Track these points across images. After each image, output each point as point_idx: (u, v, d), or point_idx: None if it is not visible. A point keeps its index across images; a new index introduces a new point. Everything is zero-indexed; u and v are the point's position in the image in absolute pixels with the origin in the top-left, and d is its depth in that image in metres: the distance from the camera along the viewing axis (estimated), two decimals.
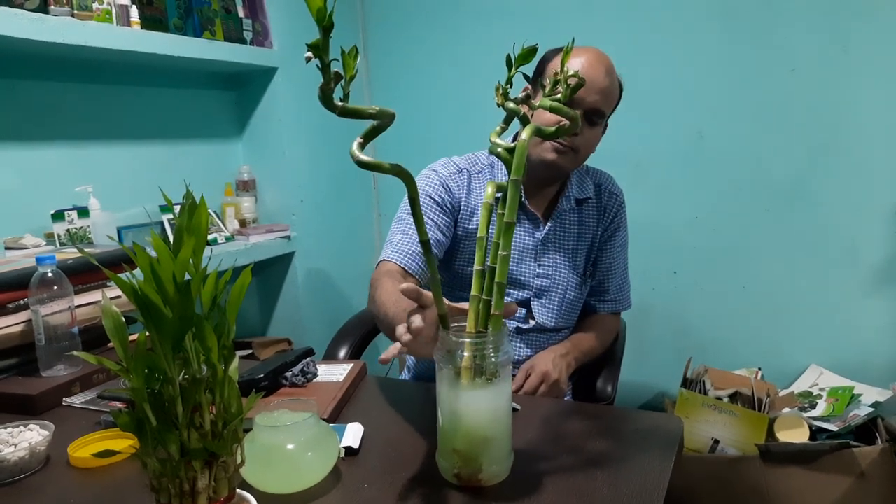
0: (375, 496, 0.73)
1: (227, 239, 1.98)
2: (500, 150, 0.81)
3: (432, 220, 1.23)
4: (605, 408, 0.99)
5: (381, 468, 0.80)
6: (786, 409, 1.72)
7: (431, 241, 1.20)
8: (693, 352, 1.95)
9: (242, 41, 1.97)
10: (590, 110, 1.17)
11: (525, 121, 0.82)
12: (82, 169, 1.70)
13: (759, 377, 1.92)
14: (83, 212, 1.58)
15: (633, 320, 1.84)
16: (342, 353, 1.41)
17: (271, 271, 2.20)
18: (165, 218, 1.85)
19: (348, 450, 0.83)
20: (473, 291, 0.78)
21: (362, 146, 0.65)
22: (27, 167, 1.59)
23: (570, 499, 0.70)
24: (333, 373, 1.08)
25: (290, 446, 0.74)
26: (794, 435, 1.65)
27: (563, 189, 1.29)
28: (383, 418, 0.96)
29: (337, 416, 0.95)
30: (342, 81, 0.59)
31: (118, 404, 0.97)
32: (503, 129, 0.88)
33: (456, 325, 0.77)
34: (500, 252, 0.76)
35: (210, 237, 1.95)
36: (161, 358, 0.58)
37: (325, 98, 0.59)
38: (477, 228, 1.22)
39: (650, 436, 0.85)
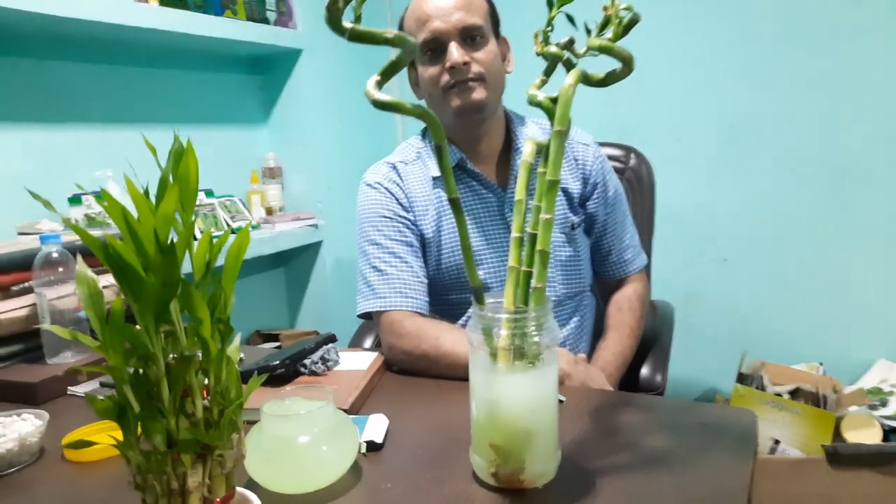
0: (400, 498, 0.63)
1: (253, 227, 1.92)
2: (540, 99, 0.71)
3: (401, 240, 1.10)
4: (662, 399, 0.88)
5: (408, 466, 0.70)
6: (853, 407, 1.57)
7: (411, 256, 1.09)
8: (746, 345, 1.80)
9: (265, 21, 1.89)
10: (462, 32, 1.04)
11: (569, 66, 0.71)
12: (102, 153, 1.64)
13: (820, 373, 1.77)
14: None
15: (680, 311, 1.70)
16: (367, 343, 1.32)
17: (299, 261, 2.12)
18: None
19: (370, 444, 0.73)
20: (512, 262, 0.67)
21: (380, 84, 0.55)
22: (45, 150, 1.54)
23: (631, 500, 0.59)
24: (357, 361, 0.99)
25: (302, 439, 0.64)
26: (865, 435, 1.50)
27: (511, 146, 1.14)
28: (410, 410, 0.86)
29: (359, 408, 0.85)
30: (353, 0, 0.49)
31: None
32: (543, 82, 0.77)
33: (493, 300, 0.67)
34: (541, 216, 0.66)
35: (236, 226, 1.88)
36: (142, 332, 0.49)
37: (332, 19, 0.49)
38: (429, 223, 1.11)
39: (719, 431, 0.73)
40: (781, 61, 1.79)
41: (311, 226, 2.01)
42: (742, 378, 1.65)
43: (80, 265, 0.51)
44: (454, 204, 0.62)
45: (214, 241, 0.54)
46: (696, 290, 1.99)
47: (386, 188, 1.12)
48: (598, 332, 1.18)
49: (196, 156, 0.51)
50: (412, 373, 0.99)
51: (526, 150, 0.72)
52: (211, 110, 1.95)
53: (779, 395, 1.59)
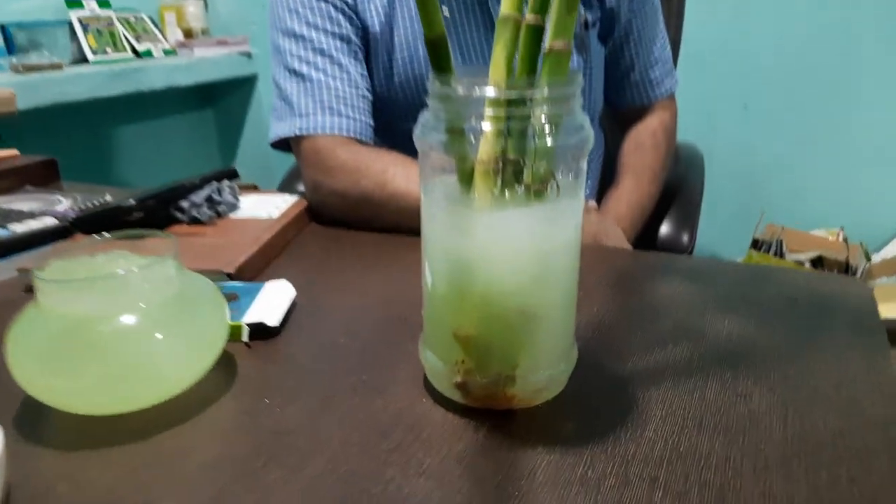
0: (291, 425, 0.35)
1: (166, 53, 1.53)
2: None
3: (334, 33, 0.74)
4: (720, 263, 0.60)
5: (317, 366, 0.42)
6: (883, 278, 1.36)
7: (347, 57, 0.73)
8: (757, 205, 1.56)
9: None
10: None
11: None
12: None
13: (840, 240, 1.54)
14: None
15: None
16: (301, 189, 1.01)
17: (231, 100, 1.75)
18: (74, 15, 1.38)
19: (257, 329, 0.44)
20: (506, 8, 0.35)
21: None
22: None
23: (705, 438, 0.32)
24: (265, 206, 0.69)
25: (121, 322, 0.35)
26: None
27: None
28: (334, 278, 0.57)
29: (256, 274, 0.56)
30: None
31: None
32: None
33: (470, 78, 0.35)
34: None
35: (142, 49, 1.49)
36: None
37: None
38: (375, 11, 0.74)
39: (822, 313, 0.47)
40: None
41: (242, 54, 1.62)
42: (757, 244, 1.41)
43: None
44: None
45: None
46: (708, 143, 1.69)
47: None
48: (606, 177, 0.88)
49: None
50: (346, 223, 0.69)
51: None
52: None
53: (800, 262, 1.36)
